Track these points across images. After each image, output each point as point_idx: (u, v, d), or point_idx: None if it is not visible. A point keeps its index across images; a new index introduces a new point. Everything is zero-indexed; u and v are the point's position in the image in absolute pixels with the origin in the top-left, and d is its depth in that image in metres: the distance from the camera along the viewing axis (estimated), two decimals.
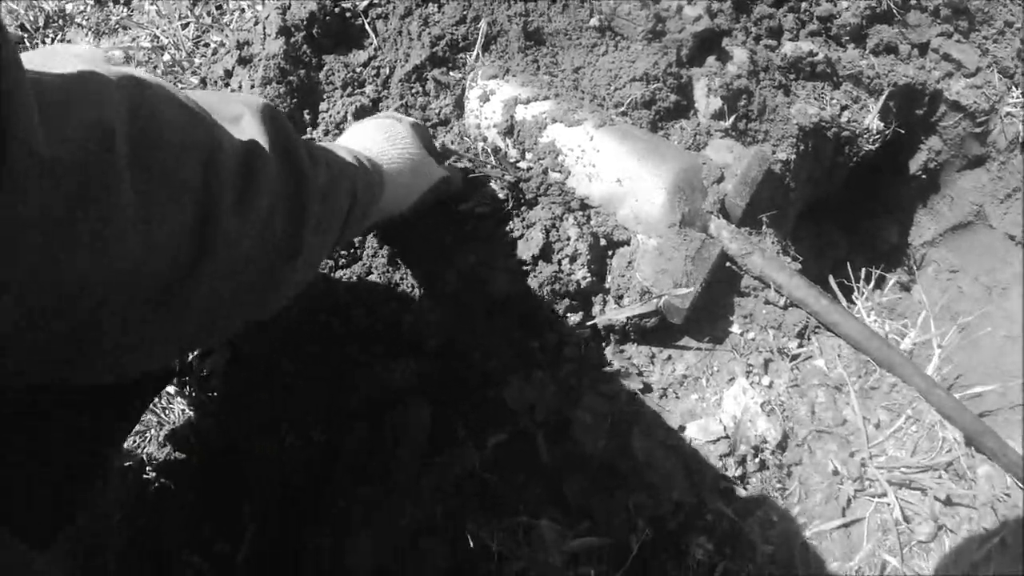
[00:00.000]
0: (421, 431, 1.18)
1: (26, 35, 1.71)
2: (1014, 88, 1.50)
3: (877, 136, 1.30)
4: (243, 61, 1.39)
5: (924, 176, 1.46)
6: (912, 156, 1.45)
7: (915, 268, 1.49)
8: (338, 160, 0.73)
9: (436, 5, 1.34)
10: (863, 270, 1.25)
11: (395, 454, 1.16)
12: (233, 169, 0.49)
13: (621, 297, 1.15)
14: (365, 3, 1.38)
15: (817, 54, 1.28)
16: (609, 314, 1.15)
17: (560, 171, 1.15)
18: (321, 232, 0.64)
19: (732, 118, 1.20)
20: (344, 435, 1.14)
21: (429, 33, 1.31)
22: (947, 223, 1.44)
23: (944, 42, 1.43)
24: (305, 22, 1.36)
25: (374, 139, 0.96)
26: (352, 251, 1.23)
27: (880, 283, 1.29)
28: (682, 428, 1.18)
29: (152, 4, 1.54)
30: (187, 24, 1.51)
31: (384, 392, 1.17)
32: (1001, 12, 1.50)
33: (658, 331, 1.17)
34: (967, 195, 1.43)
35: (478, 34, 1.28)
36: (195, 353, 1.20)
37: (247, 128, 0.56)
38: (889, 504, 1.28)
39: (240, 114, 0.57)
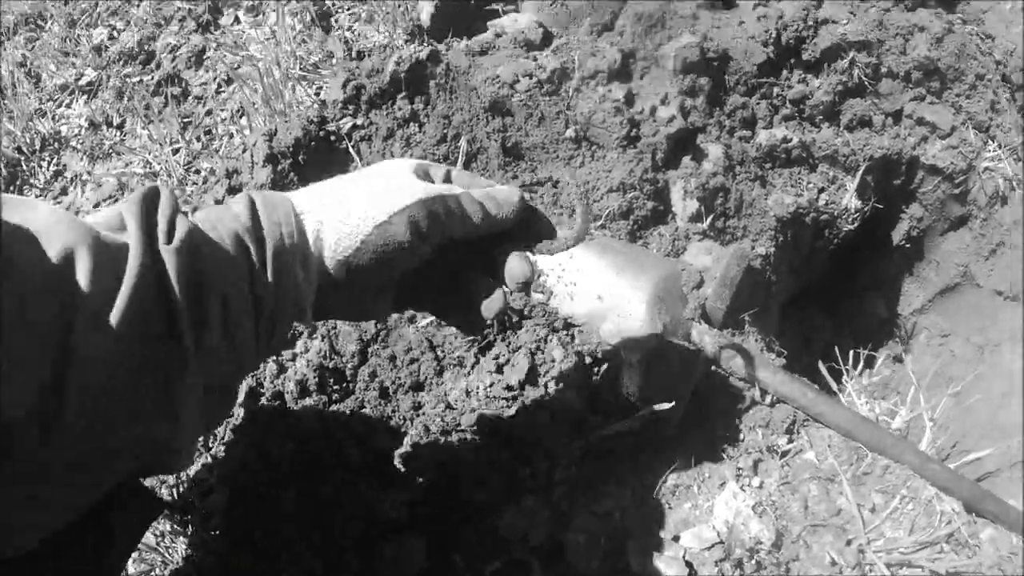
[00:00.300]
0: (415, 564, 1.18)
1: (23, 157, 1.77)
2: (990, 142, 1.51)
3: (856, 214, 1.32)
4: (232, 190, 1.44)
5: (908, 245, 1.47)
6: (894, 227, 1.47)
7: (907, 338, 1.51)
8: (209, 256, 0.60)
9: (417, 125, 1.38)
10: (851, 352, 1.27)
11: None
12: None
13: (609, 413, 1.19)
14: (349, 126, 1.42)
15: (791, 139, 1.31)
16: (597, 432, 1.18)
17: (543, 292, 1.19)
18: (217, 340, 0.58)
19: (710, 218, 1.23)
20: (340, 570, 1.16)
21: (411, 154, 1.35)
22: (935, 288, 1.46)
23: (917, 106, 1.45)
24: (291, 148, 1.41)
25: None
26: (344, 385, 1.25)
27: (870, 361, 1.31)
28: (676, 538, 1.20)
29: (144, 128, 1.59)
30: (178, 150, 1.56)
31: (377, 524, 1.19)
32: (972, 66, 1.52)
33: (649, 443, 1.20)
34: (952, 257, 1.44)
35: (459, 152, 1.33)
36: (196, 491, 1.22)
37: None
38: None
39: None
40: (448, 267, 0.77)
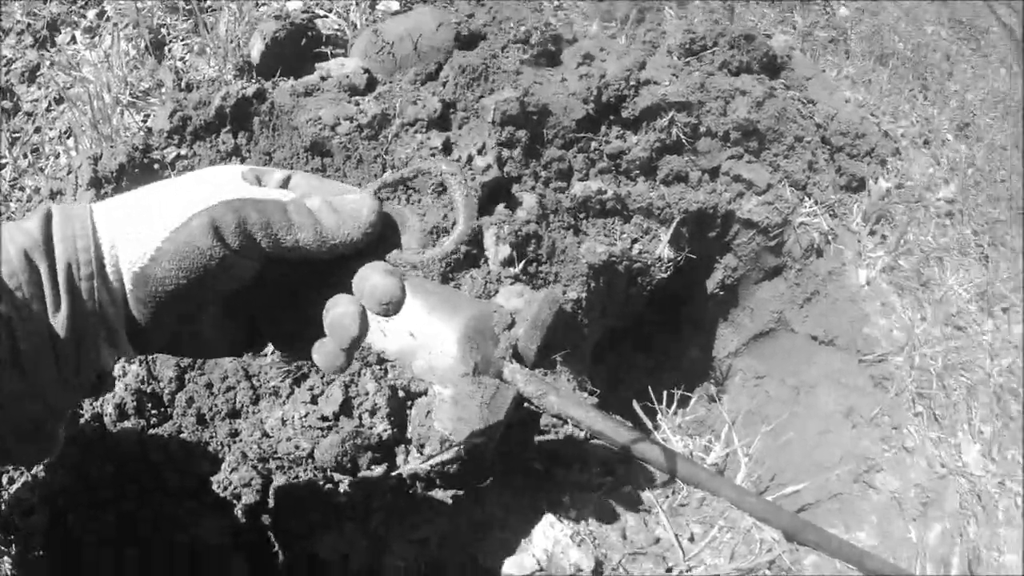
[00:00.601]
0: None
1: None
2: (807, 199, 1.61)
3: (669, 264, 1.37)
4: None
5: (722, 292, 1.54)
6: (709, 276, 1.53)
7: (722, 379, 1.56)
8: None
9: (239, 159, 1.38)
10: (664, 392, 1.31)
11: None
12: None
13: (423, 446, 1.18)
14: (173, 155, 1.40)
15: (606, 191, 1.36)
16: (412, 464, 1.18)
17: None
18: None
19: (522, 263, 1.25)
20: None
21: None
22: (749, 333, 1.52)
23: (735, 164, 1.53)
24: (115, 173, 1.38)
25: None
26: (162, 410, 1.24)
27: (686, 401, 1.35)
28: (498, 567, 1.21)
29: None
30: (3, 165, 1.51)
31: (201, 549, 1.18)
32: (791, 128, 1.61)
33: (463, 475, 1.20)
34: (767, 304, 1.51)
35: None
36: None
37: None
38: None
39: None
40: (288, 286, 0.64)
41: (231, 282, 0.59)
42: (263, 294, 0.64)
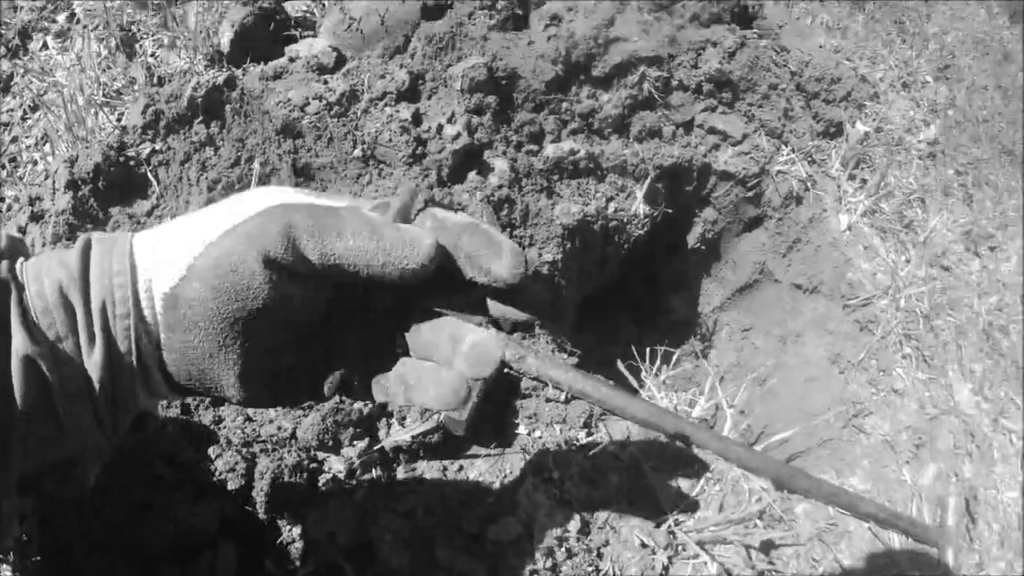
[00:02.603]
0: (229, 571, 1.21)
1: None
2: (783, 147, 1.60)
3: (645, 220, 1.37)
4: (35, 217, 1.41)
5: (703, 247, 1.54)
6: (689, 230, 1.53)
7: (709, 335, 1.57)
8: None
9: (213, 149, 1.39)
10: (648, 349, 1.32)
11: None
12: None
13: (404, 418, 1.20)
14: (148, 151, 1.41)
15: (579, 151, 1.36)
16: (394, 436, 1.20)
17: None
18: None
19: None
20: None
21: (207, 178, 1.35)
22: (732, 286, 1.52)
23: (709, 116, 1.53)
24: (91, 174, 1.39)
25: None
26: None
27: (672, 358, 1.36)
28: (482, 532, 1.23)
29: None
30: None
31: (190, 536, 1.21)
32: (765, 77, 1.61)
33: (445, 445, 1.22)
34: (749, 256, 1.52)
35: (252, 174, 1.33)
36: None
37: None
38: (707, 563, 1.35)
39: None
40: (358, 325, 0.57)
41: (270, 310, 0.51)
42: (319, 330, 0.56)
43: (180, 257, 0.51)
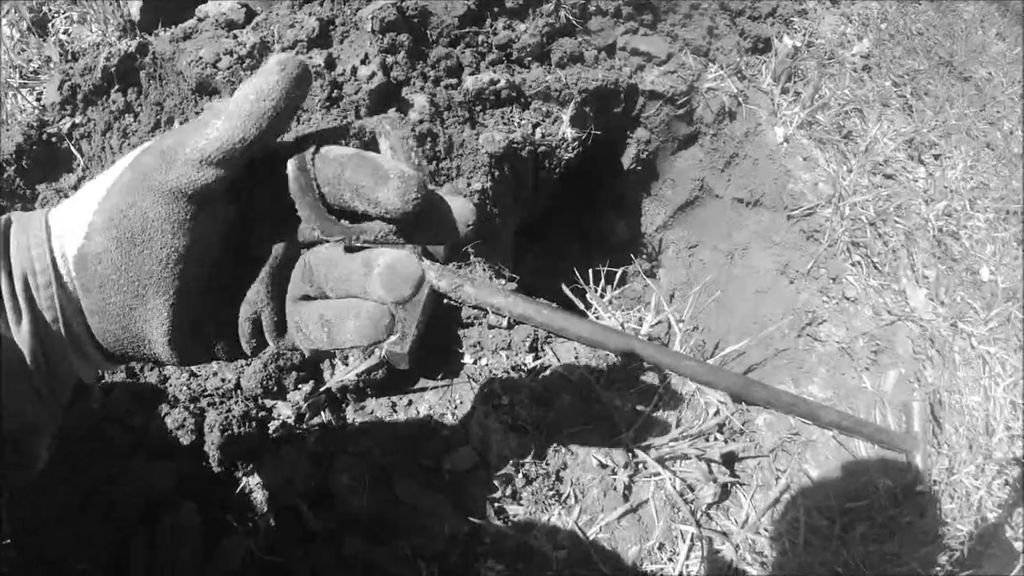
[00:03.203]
0: (193, 529, 1.20)
1: None
2: (711, 64, 1.60)
3: (575, 143, 1.37)
4: None
5: (639, 167, 1.54)
6: (623, 152, 1.53)
7: (655, 254, 1.57)
8: None
9: (132, 116, 1.37)
10: (591, 271, 1.31)
11: (176, 557, 1.18)
12: None
13: (347, 358, 1.19)
14: (68, 125, 1.40)
15: (499, 81, 1.35)
16: (338, 376, 1.19)
17: None
18: None
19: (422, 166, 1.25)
20: (128, 548, 1.16)
21: (129, 144, 1.33)
22: (674, 204, 1.52)
23: (631, 39, 1.52)
24: (14, 155, 1.38)
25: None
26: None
27: (621, 278, 1.35)
28: (440, 465, 1.23)
29: None
30: None
31: (152, 496, 1.19)
32: None
33: (392, 381, 1.21)
34: (687, 173, 1.51)
35: None
36: None
37: None
38: (668, 479, 1.35)
39: None
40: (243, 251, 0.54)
41: (172, 240, 0.51)
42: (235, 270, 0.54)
43: (82, 218, 0.51)
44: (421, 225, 0.52)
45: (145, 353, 0.56)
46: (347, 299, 0.54)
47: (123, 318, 0.53)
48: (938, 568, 1.72)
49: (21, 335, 0.51)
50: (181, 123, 1.32)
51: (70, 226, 0.51)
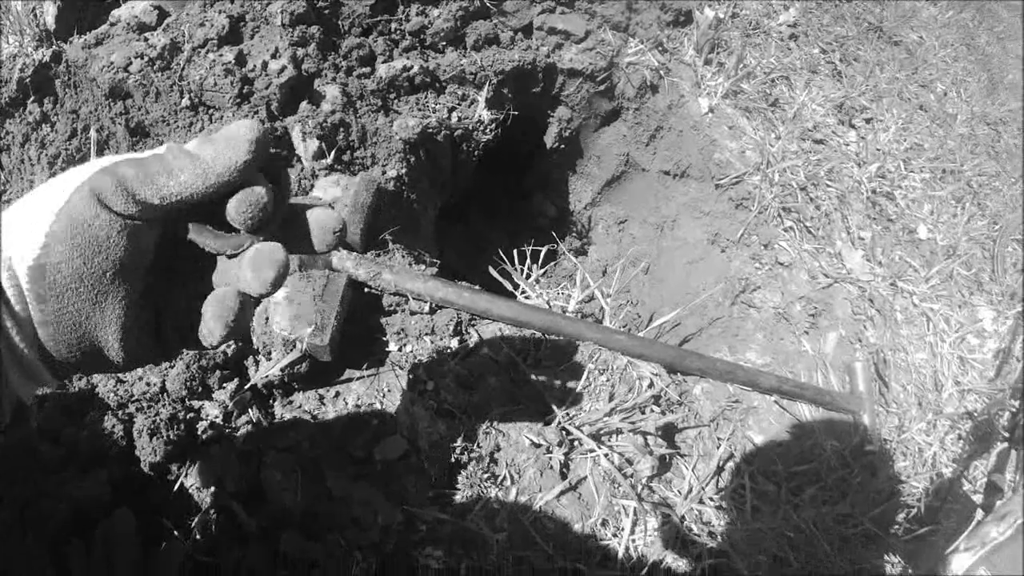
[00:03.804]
0: (129, 534, 1.20)
1: None
2: (631, 39, 1.61)
3: (492, 124, 1.38)
4: None
5: (563, 145, 1.55)
6: (545, 131, 1.53)
7: (585, 231, 1.58)
8: None
9: (50, 125, 1.37)
10: (516, 251, 1.32)
11: (114, 564, 1.18)
12: None
13: (270, 354, 1.20)
14: None
15: (412, 67, 1.36)
16: (262, 371, 1.19)
17: None
18: None
19: (333, 153, 1.26)
20: (65, 559, 1.15)
21: (47, 154, 1.33)
22: (601, 181, 1.53)
23: (547, 17, 1.53)
24: None
25: None
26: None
27: (550, 256, 1.36)
28: (370, 455, 1.23)
29: None
30: None
31: (85, 506, 1.19)
32: None
33: (317, 373, 1.21)
34: (611, 149, 1.52)
35: (90, 143, 1.31)
36: None
37: None
38: (605, 454, 1.35)
39: None
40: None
41: (125, 255, 0.54)
42: (166, 277, 0.59)
43: (35, 229, 0.52)
44: (287, 236, 0.59)
45: (95, 360, 0.58)
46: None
47: (78, 326, 0.55)
48: (896, 526, 1.74)
49: None
50: (97, 130, 1.32)
51: (16, 240, 0.52)
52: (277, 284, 0.57)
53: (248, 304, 0.58)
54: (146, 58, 1.31)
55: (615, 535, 1.33)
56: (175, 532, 1.21)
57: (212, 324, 0.57)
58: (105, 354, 0.58)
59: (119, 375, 1.26)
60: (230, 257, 0.58)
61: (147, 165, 0.53)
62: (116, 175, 0.52)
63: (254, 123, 0.56)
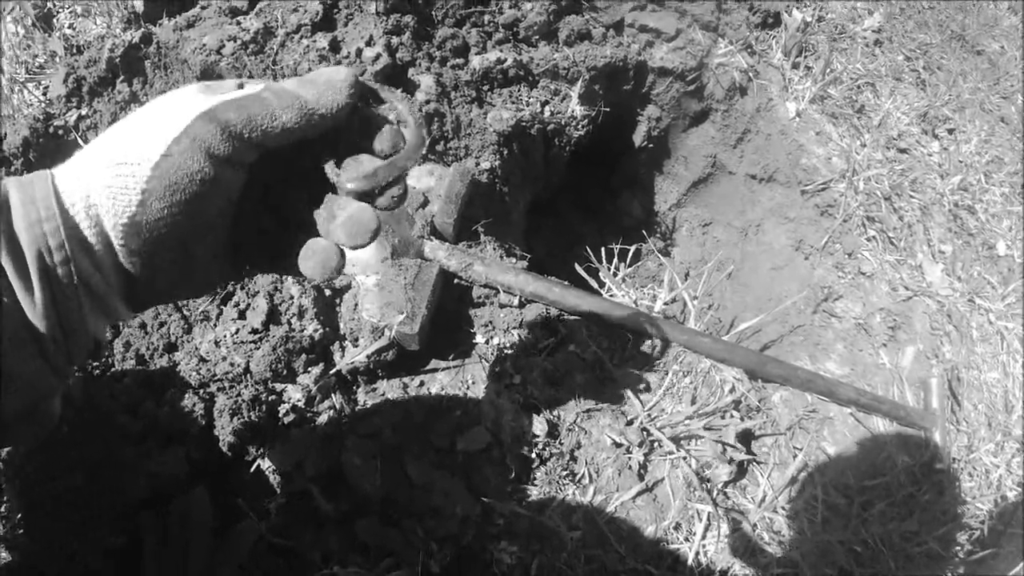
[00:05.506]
0: (204, 513, 1.19)
1: None
2: (720, 40, 1.58)
3: (584, 120, 1.35)
4: None
5: (651, 145, 1.52)
6: (634, 130, 1.51)
7: (669, 233, 1.55)
8: None
9: (138, 105, 1.36)
10: (603, 249, 1.30)
11: (187, 541, 1.18)
12: None
13: (357, 340, 1.18)
14: (75, 117, 1.39)
15: (506, 60, 1.34)
16: (349, 358, 1.18)
17: None
18: None
19: (428, 142, 1.24)
20: (141, 534, 1.16)
21: None
22: (687, 182, 1.50)
23: (639, 15, 1.50)
24: (21, 148, 1.38)
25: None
26: (104, 359, 1.24)
27: (634, 256, 1.34)
28: (452, 445, 1.21)
29: None
30: None
31: (163, 484, 1.19)
32: None
33: (402, 362, 1.20)
34: (699, 150, 1.49)
35: None
36: None
37: None
38: (684, 458, 1.33)
39: None
40: (271, 198, 0.60)
41: (222, 201, 0.54)
42: (246, 209, 0.59)
43: (130, 183, 0.51)
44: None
45: (177, 292, 0.60)
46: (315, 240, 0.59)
47: (167, 272, 0.56)
48: (957, 547, 1.69)
49: (36, 311, 0.51)
50: None
51: (108, 190, 0.51)
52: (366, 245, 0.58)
53: (341, 255, 0.58)
54: (239, 41, 1.31)
55: (687, 539, 1.31)
56: (251, 513, 1.21)
57: (314, 270, 0.58)
58: (183, 288, 0.59)
59: (201, 355, 1.25)
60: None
61: (248, 107, 0.52)
62: (219, 121, 0.51)
63: (349, 69, 0.57)
